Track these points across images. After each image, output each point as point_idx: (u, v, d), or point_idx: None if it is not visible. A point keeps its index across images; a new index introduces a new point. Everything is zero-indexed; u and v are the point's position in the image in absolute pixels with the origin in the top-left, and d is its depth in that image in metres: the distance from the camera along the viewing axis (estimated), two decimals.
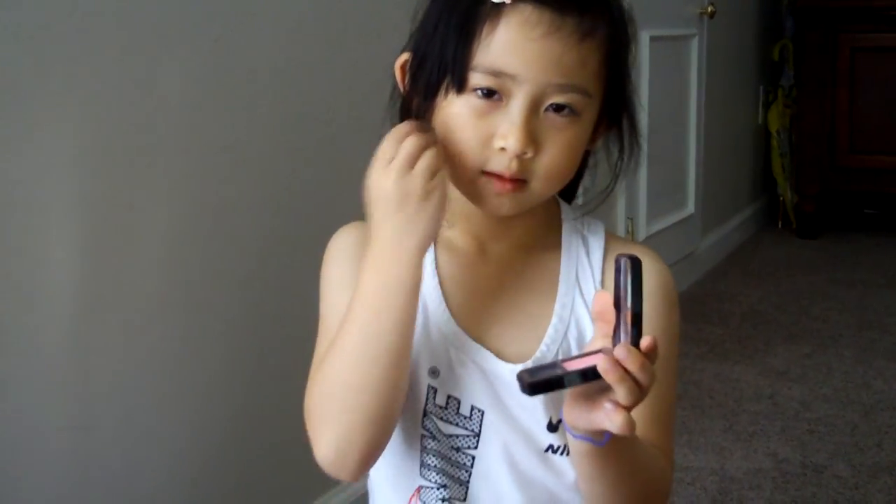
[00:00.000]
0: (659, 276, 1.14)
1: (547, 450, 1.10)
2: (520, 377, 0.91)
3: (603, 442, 0.94)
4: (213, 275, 1.71)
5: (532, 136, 1.01)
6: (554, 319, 1.11)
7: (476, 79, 1.00)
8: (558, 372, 0.90)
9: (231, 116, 1.73)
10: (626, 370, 0.88)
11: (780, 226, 4.99)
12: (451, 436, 1.10)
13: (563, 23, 0.99)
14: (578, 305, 1.12)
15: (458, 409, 1.10)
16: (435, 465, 1.11)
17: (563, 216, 1.16)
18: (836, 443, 2.62)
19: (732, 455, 2.55)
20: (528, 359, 1.09)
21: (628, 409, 0.89)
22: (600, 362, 0.87)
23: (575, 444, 0.98)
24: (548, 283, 1.12)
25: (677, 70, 3.82)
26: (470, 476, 1.10)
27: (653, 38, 3.49)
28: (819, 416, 2.79)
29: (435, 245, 1.12)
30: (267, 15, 1.79)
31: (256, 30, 1.77)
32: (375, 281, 1.01)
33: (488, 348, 1.09)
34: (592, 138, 1.09)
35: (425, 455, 1.11)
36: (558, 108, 1.01)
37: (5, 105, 1.36)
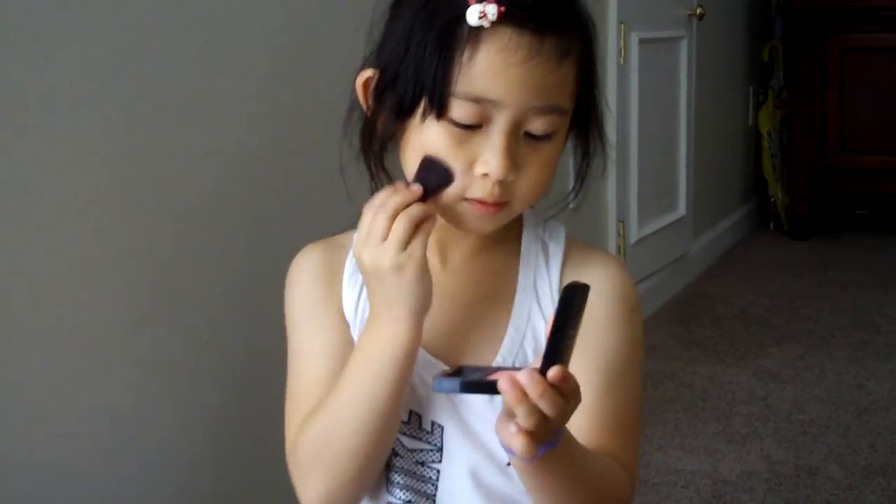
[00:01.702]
0: (616, 283, 1.11)
1: (508, 464, 1.09)
2: (437, 381, 0.91)
3: (536, 457, 0.91)
4: (202, 278, 1.70)
5: (514, 161, 0.99)
6: (510, 330, 1.09)
7: (456, 106, 0.97)
8: (466, 378, 0.90)
9: (218, 119, 1.72)
10: (525, 395, 0.85)
11: (771, 227, 4.99)
12: (415, 450, 1.09)
13: (543, 46, 0.97)
14: (535, 315, 1.09)
15: (420, 423, 1.09)
16: (400, 482, 1.10)
17: (525, 221, 1.14)
18: (830, 444, 2.62)
19: (725, 457, 2.55)
20: None
21: (531, 433, 0.87)
22: (501, 381, 0.86)
23: (512, 458, 0.96)
24: (505, 291, 1.10)
25: (666, 72, 3.81)
26: (436, 490, 1.09)
27: (642, 41, 3.49)
28: (812, 418, 2.79)
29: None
30: (255, 17, 1.78)
31: (245, 32, 1.76)
32: (371, 342, 1.01)
33: (446, 362, 1.07)
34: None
35: (391, 472, 1.10)
36: (541, 133, 1.00)
37: None
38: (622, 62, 3.40)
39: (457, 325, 1.08)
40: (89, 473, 1.53)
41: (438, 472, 1.09)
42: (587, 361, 1.05)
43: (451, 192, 1.01)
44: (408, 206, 0.99)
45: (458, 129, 0.99)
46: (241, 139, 1.77)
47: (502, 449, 1.05)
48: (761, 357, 3.27)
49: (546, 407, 0.85)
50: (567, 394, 0.87)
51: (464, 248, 1.11)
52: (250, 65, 1.78)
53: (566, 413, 0.88)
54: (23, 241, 1.41)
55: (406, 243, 0.98)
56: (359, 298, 1.11)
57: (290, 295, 1.14)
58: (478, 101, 0.97)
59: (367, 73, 1.06)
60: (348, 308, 1.11)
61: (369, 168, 1.09)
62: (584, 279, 1.09)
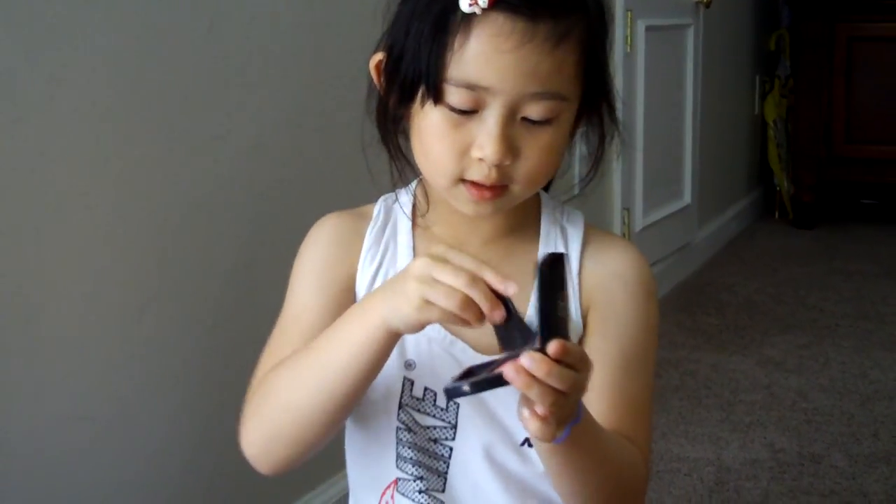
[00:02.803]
0: (634, 268, 1.13)
1: (523, 443, 1.10)
2: (447, 386, 0.90)
3: (560, 439, 0.91)
4: (203, 266, 1.70)
5: (509, 145, 0.99)
6: (529, 311, 1.08)
7: (451, 92, 0.98)
8: (472, 378, 0.89)
9: (223, 104, 1.72)
10: (533, 377, 0.85)
11: (776, 216, 4.98)
12: (428, 427, 1.10)
13: (536, 31, 0.97)
14: None
15: (435, 400, 1.10)
16: (411, 458, 1.11)
17: (543, 206, 1.15)
18: (833, 433, 2.62)
19: (729, 445, 2.55)
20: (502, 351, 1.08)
21: (551, 413, 0.87)
22: (505, 370, 0.85)
23: (535, 443, 0.97)
24: (525, 274, 1.09)
25: (673, 60, 3.81)
26: (448, 467, 1.10)
27: (648, 28, 3.48)
28: (816, 407, 2.79)
29: (414, 236, 1.13)
30: (260, 4, 1.78)
31: (249, 19, 1.76)
32: (342, 328, 1.01)
33: (464, 340, 1.08)
34: (575, 127, 1.08)
35: (401, 447, 1.11)
36: (538, 118, 1.00)
37: None
38: (629, 50, 3.40)
39: None
40: (95, 457, 1.54)
41: (451, 449, 1.10)
42: (606, 344, 1.06)
43: (449, 173, 1.02)
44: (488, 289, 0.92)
45: (454, 114, 1.00)
46: (246, 124, 1.77)
47: (517, 428, 1.06)
48: (765, 346, 3.27)
49: (557, 382, 0.85)
50: (574, 364, 0.87)
51: (482, 232, 1.12)
52: (256, 49, 1.78)
53: (580, 383, 0.88)
54: (28, 228, 1.41)
55: (446, 313, 0.92)
56: (376, 273, 1.11)
57: (304, 250, 1.15)
58: (471, 87, 0.98)
59: (378, 56, 1.07)
60: (362, 278, 1.12)
61: (388, 148, 1.10)
62: (602, 263, 1.11)
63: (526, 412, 0.88)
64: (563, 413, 0.88)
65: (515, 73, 0.97)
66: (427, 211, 1.13)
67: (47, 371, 1.45)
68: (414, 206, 1.15)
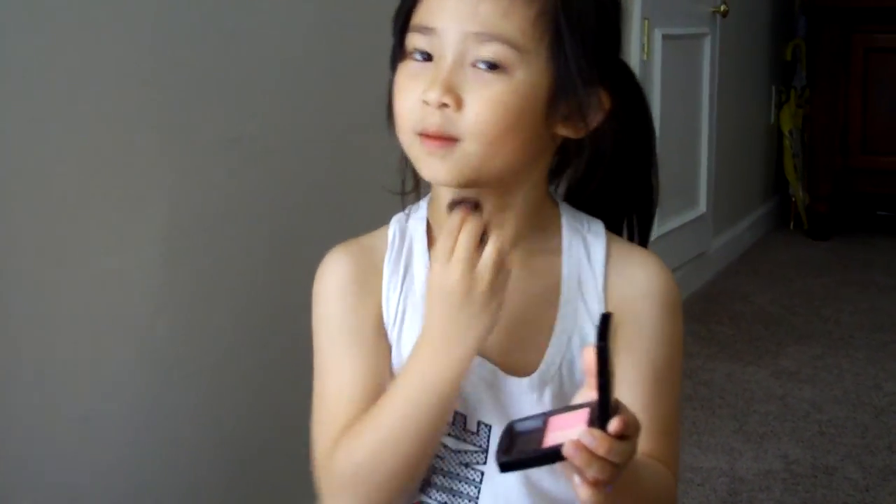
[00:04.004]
0: (661, 285, 1.11)
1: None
2: (497, 455, 0.90)
3: (608, 491, 0.90)
4: (219, 269, 1.71)
5: (451, 87, 0.99)
6: (557, 330, 1.07)
7: (410, 38, 1.02)
8: (529, 451, 0.88)
9: (239, 108, 1.72)
10: (593, 454, 0.85)
11: (791, 226, 4.97)
12: (459, 451, 1.08)
13: None
14: (581, 314, 1.08)
15: (465, 425, 1.08)
16: (438, 484, 1.09)
17: (563, 215, 1.12)
18: (847, 445, 2.61)
19: (742, 456, 2.54)
20: (532, 371, 1.06)
21: (601, 483, 0.87)
22: (566, 448, 0.85)
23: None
24: (550, 290, 1.09)
25: (690, 69, 3.80)
26: (479, 492, 1.08)
27: (665, 37, 3.48)
28: (830, 418, 2.77)
29: (430, 252, 1.09)
30: (278, 6, 1.78)
31: (265, 22, 1.76)
32: (420, 371, 1.00)
33: (492, 362, 1.06)
34: (567, 120, 1.04)
35: (430, 474, 1.09)
36: (483, 61, 0.99)
37: (9, 98, 1.35)
38: (645, 58, 3.39)
39: (503, 325, 1.03)
40: (106, 460, 1.54)
41: (482, 473, 1.08)
42: (635, 363, 1.05)
43: (409, 127, 1.02)
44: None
45: (413, 64, 1.02)
46: (261, 129, 1.77)
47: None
48: (780, 356, 3.26)
49: (616, 458, 0.86)
50: (631, 435, 0.87)
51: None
52: (271, 53, 1.78)
53: (634, 449, 0.88)
54: (41, 230, 1.41)
55: (499, 268, 0.96)
56: (399, 297, 1.09)
57: (318, 306, 1.11)
58: (423, 31, 1.01)
59: None
60: (388, 310, 1.09)
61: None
62: (629, 280, 1.08)
63: (577, 479, 0.88)
64: (615, 479, 0.88)
65: (459, 13, 0.99)
66: (435, 215, 1.11)
67: (60, 375, 1.45)
68: (428, 222, 1.12)
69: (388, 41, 1.09)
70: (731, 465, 2.49)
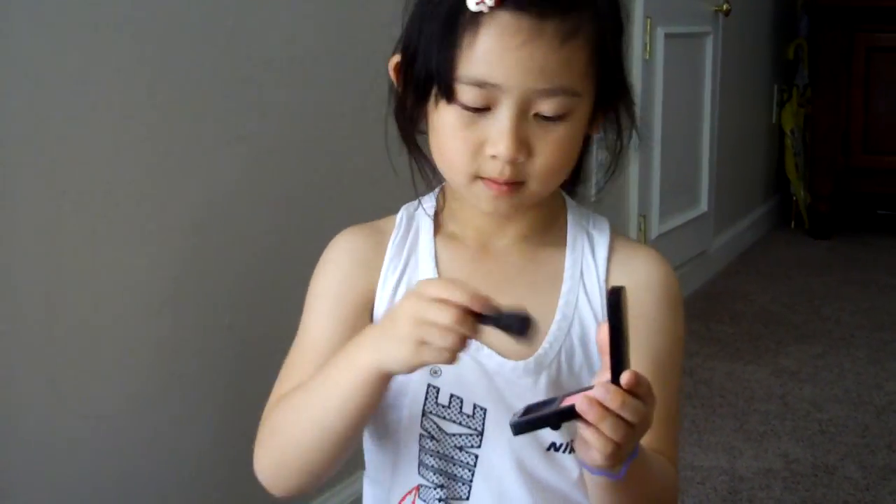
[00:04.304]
0: (662, 278, 1.13)
1: (549, 448, 1.09)
2: (511, 418, 0.91)
3: (620, 475, 0.93)
4: (224, 266, 1.71)
5: (522, 142, 1.00)
6: (557, 316, 1.10)
7: (462, 90, 1.00)
8: (542, 412, 0.90)
9: (244, 105, 1.73)
10: (606, 409, 0.86)
11: (792, 225, 4.97)
12: (453, 434, 1.10)
13: (543, 28, 0.98)
14: (582, 303, 1.11)
15: (461, 407, 1.09)
16: (433, 465, 1.11)
17: (569, 210, 1.16)
18: (847, 444, 2.61)
19: (743, 455, 2.54)
20: (529, 356, 1.08)
21: (618, 444, 0.87)
22: (578, 402, 0.86)
23: (590, 477, 0.97)
24: (551, 279, 1.12)
25: (692, 68, 3.80)
26: (473, 475, 1.10)
27: (667, 36, 3.48)
28: (830, 417, 2.78)
29: (435, 240, 1.13)
30: (282, 4, 1.79)
31: (271, 19, 1.76)
32: (335, 371, 1.01)
33: (490, 346, 1.08)
34: (592, 125, 1.08)
35: (423, 455, 1.11)
36: (549, 114, 1.00)
37: (14, 96, 1.36)
38: (647, 57, 3.40)
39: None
40: (109, 455, 1.54)
41: (476, 456, 1.10)
42: (637, 358, 1.05)
43: (465, 171, 1.03)
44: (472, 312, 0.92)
45: (467, 112, 1.01)
46: (268, 125, 1.77)
47: (543, 433, 1.06)
48: (780, 355, 3.26)
49: (629, 414, 0.86)
50: (643, 395, 0.88)
51: (508, 235, 1.12)
52: (278, 50, 1.79)
53: (648, 416, 0.89)
54: (48, 225, 1.41)
55: (449, 350, 0.92)
56: (398, 283, 1.12)
57: (322, 268, 1.15)
58: (481, 85, 0.99)
59: (396, 57, 1.09)
60: (382, 292, 1.12)
61: (408, 147, 1.11)
62: (629, 272, 1.10)
63: (594, 449, 0.88)
64: (630, 448, 0.89)
65: (524, 70, 0.98)
66: (444, 206, 1.14)
67: (64, 370, 1.46)
68: (437, 212, 1.15)
69: (392, 40, 1.10)
70: (731, 464, 2.49)
